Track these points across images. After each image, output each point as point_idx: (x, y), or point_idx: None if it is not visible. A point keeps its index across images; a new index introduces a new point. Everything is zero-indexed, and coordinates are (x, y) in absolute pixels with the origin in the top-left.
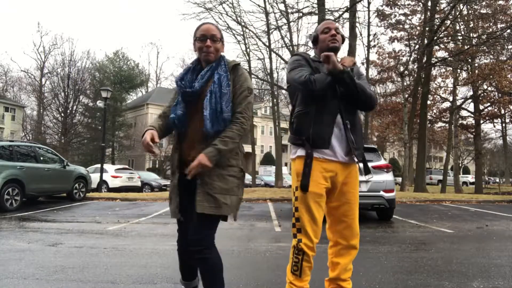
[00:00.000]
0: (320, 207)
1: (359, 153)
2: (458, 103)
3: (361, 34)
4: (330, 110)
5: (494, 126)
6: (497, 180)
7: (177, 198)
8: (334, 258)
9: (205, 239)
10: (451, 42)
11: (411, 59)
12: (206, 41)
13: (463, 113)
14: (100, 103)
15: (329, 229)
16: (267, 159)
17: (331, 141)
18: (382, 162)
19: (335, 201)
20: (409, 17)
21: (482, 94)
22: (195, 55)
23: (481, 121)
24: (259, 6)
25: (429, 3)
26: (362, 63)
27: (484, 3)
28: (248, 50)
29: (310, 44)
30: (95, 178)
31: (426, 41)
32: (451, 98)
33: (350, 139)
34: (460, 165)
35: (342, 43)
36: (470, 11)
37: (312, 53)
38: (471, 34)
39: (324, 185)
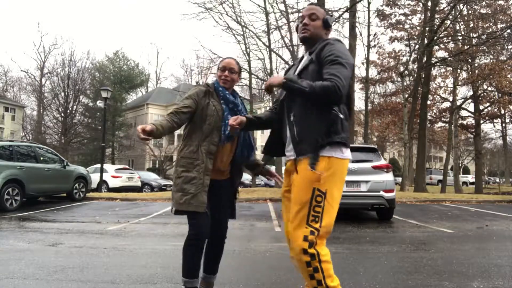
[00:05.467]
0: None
1: (302, 147)
2: (458, 103)
3: (361, 34)
4: (282, 107)
5: (494, 126)
6: (497, 180)
7: (205, 195)
8: None
9: None
10: (451, 42)
11: (411, 59)
12: (225, 71)
13: (463, 113)
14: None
15: None
16: (267, 159)
17: (286, 139)
18: (382, 162)
19: None
20: (409, 17)
21: (482, 94)
22: (194, 55)
23: (481, 121)
24: (259, 6)
25: (429, 3)
26: (362, 63)
27: (484, 3)
28: (248, 50)
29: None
30: (95, 178)
31: (426, 41)
32: (451, 98)
33: (291, 133)
34: (460, 165)
35: (326, 23)
36: (470, 11)
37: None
38: (471, 34)
39: (285, 186)
